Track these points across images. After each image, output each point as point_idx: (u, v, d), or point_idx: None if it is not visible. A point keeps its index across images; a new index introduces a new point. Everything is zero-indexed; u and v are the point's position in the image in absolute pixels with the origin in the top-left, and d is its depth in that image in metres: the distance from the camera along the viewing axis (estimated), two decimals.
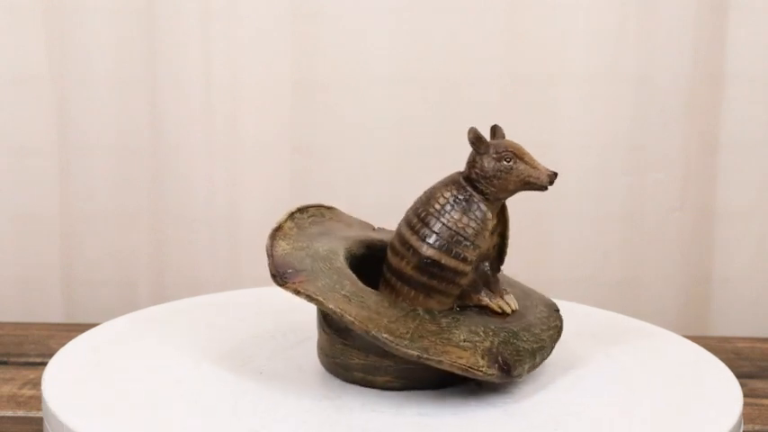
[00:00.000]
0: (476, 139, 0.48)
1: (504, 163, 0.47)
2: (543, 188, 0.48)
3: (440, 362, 0.46)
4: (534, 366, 0.48)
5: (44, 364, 0.53)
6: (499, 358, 0.47)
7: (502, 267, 0.51)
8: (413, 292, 0.48)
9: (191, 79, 0.84)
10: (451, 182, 0.49)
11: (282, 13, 0.83)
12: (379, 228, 0.56)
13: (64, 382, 0.49)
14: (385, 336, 0.46)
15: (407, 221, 0.49)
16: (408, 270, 0.48)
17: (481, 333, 0.47)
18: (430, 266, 0.47)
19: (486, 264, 0.50)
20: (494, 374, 0.46)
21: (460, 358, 0.46)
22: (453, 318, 0.48)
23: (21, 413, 0.63)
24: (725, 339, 0.81)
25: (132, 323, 0.58)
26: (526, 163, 0.47)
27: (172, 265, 0.87)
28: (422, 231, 0.48)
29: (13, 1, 0.83)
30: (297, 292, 0.47)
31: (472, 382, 0.49)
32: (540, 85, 0.84)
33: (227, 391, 0.48)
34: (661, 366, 0.53)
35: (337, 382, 0.50)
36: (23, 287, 0.88)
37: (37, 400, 0.65)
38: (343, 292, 0.47)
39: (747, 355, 0.76)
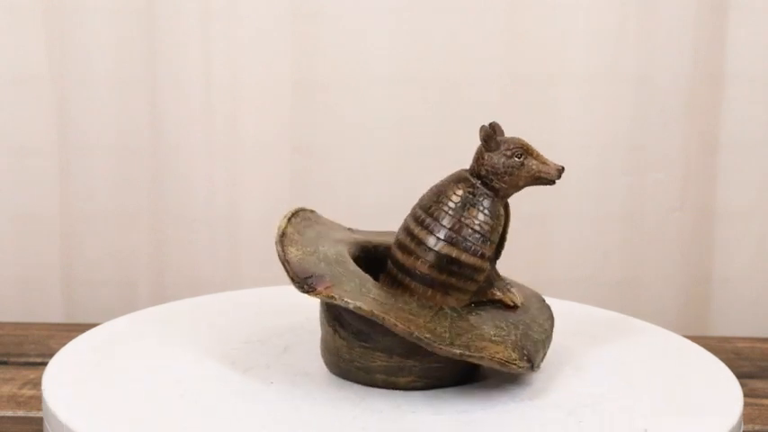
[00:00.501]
0: (487, 136, 0.48)
1: (515, 159, 0.48)
2: (552, 182, 0.49)
3: (481, 358, 0.46)
4: (545, 356, 0.49)
5: (44, 364, 0.53)
6: (524, 351, 0.47)
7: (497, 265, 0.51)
8: (429, 291, 0.48)
9: (191, 79, 0.84)
10: (461, 179, 0.49)
11: (282, 13, 0.83)
12: (353, 229, 0.56)
13: (64, 382, 0.49)
14: (427, 336, 0.46)
15: (418, 220, 0.49)
16: (425, 269, 0.48)
17: (504, 327, 0.48)
18: (448, 264, 0.48)
19: None
20: (524, 367, 0.47)
21: (498, 353, 0.46)
22: (476, 314, 0.49)
23: (21, 413, 0.63)
24: (725, 339, 0.81)
25: (132, 323, 0.58)
26: (535, 158, 0.48)
27: (172, 265, 0.87)
28: (437, 229, 0.48)
29: (13, 1, 0.83)
30: (330, 298, 0.46)
31: (483, 378, 0.49)
32: (540, 85, 0.84)
33: (228, 392, 0.48)
34: (661, 366, 0.53)
35: (347, 384, 0.49)
36: (23, 287, 0.88)
37: (37, 400, 0.65)
38: (371, 296, 0.47)
39: (747, 355, 0.76)
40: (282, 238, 0.49)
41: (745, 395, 0.50)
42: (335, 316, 0.49)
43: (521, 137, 0.50)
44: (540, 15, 0.83)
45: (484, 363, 0.46)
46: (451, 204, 0.48)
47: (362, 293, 0.47)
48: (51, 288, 0.88)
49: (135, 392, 0.48)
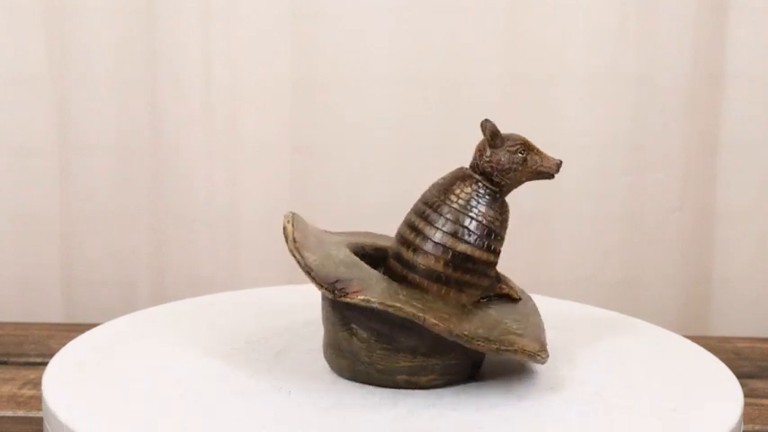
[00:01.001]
0: (493, 133, 0.49)
1: (519, 155, 0.49)
2: (551, 176, 0.50)
3: (515, 351, 0.47)
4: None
5: (44, 364, 0.53)
6: (542, 342, 0.48)
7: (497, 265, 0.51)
8: (444, 289, 0.48)
9: (191, 79, 0.84)
10: (466, 176, 0.49)
11: (282, 13, 0.83)
12: (329, 231, 0.55)
13: (64, 382, 0.49)
14: (466, 333, 0.46)
15: (428, 219, 0.49)
16: (440, 267, 0.48)
17: (520, 320, 0.49)
18: (463, 262, 0.48)
19: None
20: (545, 358, 0.47)
21: (525, 346, 0.47)
22: (493, 309, 0.49)
23: (21, 413, 0.63)
24: (725, 339, 0.81)
25: (132, 323, 0.58)
26: (536, 154, 0.49)
27: (172, 265, 0.87)
28: (449, 227, 0.48)
29: (13, 1, 0.83)
30: (368, 302, 0.46)
31: (496, 374, 0.50)
32: (540, 85, 0.84)
33: (228, 392, 0.48)
34: (661, 366, 0.53)
35: (348, 383, 0.49)
36: (23, 287, 0.88)
37: (37, 400, 0.65)
38: (401, 297, 0.47)
39: (747, 355, 0.76)
40: (296, 244, 0.48)
41: (745, 395, 0.50)
42: (352, 319, 0.48)
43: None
44: (540, 15, 0.83)
45: (517, 356, 0.47)
46: (461, 202, 0.49)
47: (391, 295, 0.47)
48: (51, 288, 0.88)
49: (135, 392, 0.48)
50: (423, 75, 0.84)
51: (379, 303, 0.46)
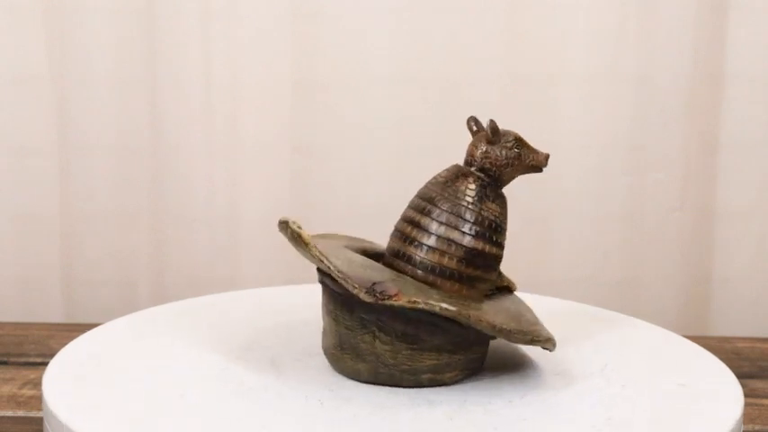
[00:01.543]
0: (494, 130, 0.50)
1: (515, 150, 0.50)
2: (540, 170, 0.51)
3: (540, 341, 0.48)
4: None
5: (44, 364, 0.53)
6: (548, 331, 0.50)
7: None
8: (456, 285, 0.49)
9: (191, 79, 0.84)
10: (466, 173, 0.50)
11: (282, 13, 0.83)
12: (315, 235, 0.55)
13: (64, 382, 0.49)
14: (505, 327, 0.47)
15: (437, 219, 0.49)
16: (452, 264, 0.49)
17: (528, 310, 0.51)
18: (475, 257, 0.49)
19: None
20: (554, 346, 0.49)
21: (549, 335, 0.49)
22: (508, 301, 0.51)
23: (21, 413, 0.63)
24: (725, 339, 0.81)
25: (132, 323, 0.58)
26: (528, 149, 0.50)
27: (172, 265, 0.87)
28: (462, 225, 0.49)
29: (13, 1, 0.83)
30: (413, 303, 0.46)
31: (498, 370, 0.51)
32: (540, 85, 0.84)
33: (228, 392, 0.48)
34: (661, 366, 0.53)
35: (348, 382, 0.49)
36: (23, 287, 0.88)
37: (37, 400, 0.65)
38: (435, 296, 0.47)
39: (747, 355, 0.76)
40: (316, 249, 0.47)
41: (746, 395, 0.50)
42: (374, 321, 0.48)
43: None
44: (540, 15, 0.83)
45: (547, 346, 0.48)
46: (469, 199, 0.49)
47: (428, 296, 0.47)
48: (51, 288, 0.88)
49: (135, 392, 0.48)
50: (423, 75, 0.84)
51: (426, 304, 0.46)
